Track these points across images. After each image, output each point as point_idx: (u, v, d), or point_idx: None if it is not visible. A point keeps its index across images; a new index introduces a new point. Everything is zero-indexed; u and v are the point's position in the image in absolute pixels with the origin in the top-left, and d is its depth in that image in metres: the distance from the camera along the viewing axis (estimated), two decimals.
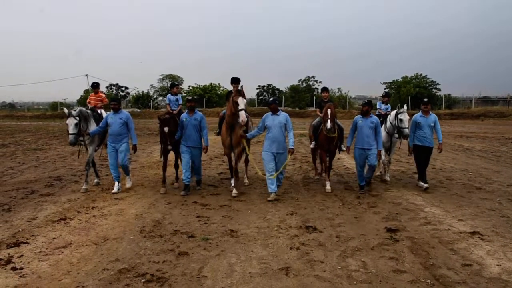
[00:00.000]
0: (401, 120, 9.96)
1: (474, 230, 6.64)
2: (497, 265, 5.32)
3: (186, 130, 9.46)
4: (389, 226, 6.86)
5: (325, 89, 11.24)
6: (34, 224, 6.97)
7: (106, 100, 11.14)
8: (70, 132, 9.03)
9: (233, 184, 9.45)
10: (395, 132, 10.50)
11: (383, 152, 10.40)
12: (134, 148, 9.75)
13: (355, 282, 4.81)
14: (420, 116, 9.89)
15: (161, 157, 10.02)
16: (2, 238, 6.24)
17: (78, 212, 7.68)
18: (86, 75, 61.34)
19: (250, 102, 56.46)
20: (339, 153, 10.62)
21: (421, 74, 53.25)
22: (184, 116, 9.59)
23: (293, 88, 56.55)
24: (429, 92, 50.93)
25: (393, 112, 10.44)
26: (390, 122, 10.51)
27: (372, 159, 9.35)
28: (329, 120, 9.11)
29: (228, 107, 9.07)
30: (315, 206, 8.25)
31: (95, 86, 11.15)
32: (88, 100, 11.07)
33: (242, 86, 9.24)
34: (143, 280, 4.82)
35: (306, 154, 16.14)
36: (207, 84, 57.13)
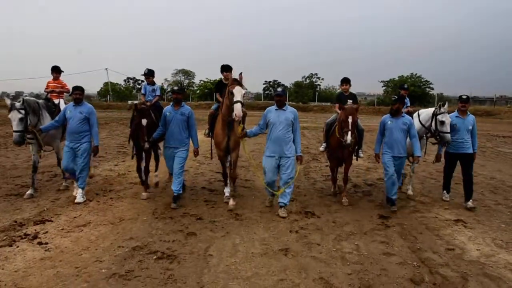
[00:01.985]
0: (442, 122, 7.47)
1: (458, 218, 6.72)
2: (477, 250, 5.43)
3: (170, 126, 7.30)
4: (382, 213, 6.93)
5: (345, 81, 8.27)
6: (57, 204, 7.10)
7: (68, 87, 8.72)
8: (14, 129, 6.96)
9: (227, 194, 7.59)
10: (426, 136, 8.21)
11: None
12: (95, 150, 7.57)
13: (348, 263, 4.89)
14: (456, 116, 7.63)
15: (132, 157, 8.00)
16: (29, 216, 6.37)
17: (97, 194, 7.79)
18: (106, 68, 61.54)
19: (257, 96, 56.44)
20: (357, 160, 8.31)
21: (416, 74, 53.51)
22: (168, 109, 7.39)
23: (297, 84, 56.58)
24: (423, 90, 51.00)
25: (428, 111, 8.01)
26: (420, 122, 8.03)
27: (401, 167, 7.45)
28: (349, 133, 6.78)
29: (224, 100, 6.98)
30: (315, 193, 8.32)
31: (55, 69, 8.77)
32: (46, 86, 8.84)
33: (241, 73, 6.86)
34: (155, 257, 4.92)
35: (307, 145, 16.17)
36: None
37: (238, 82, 6.65)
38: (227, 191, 7.65)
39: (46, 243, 5.27)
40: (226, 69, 7.85)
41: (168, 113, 7.30)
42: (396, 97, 7.44)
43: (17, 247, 5.12)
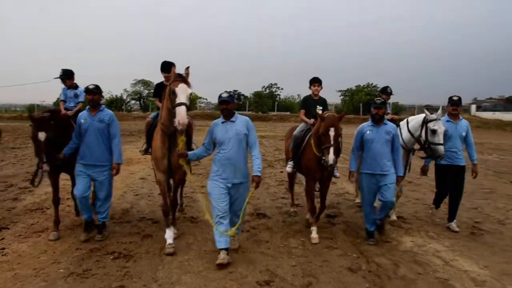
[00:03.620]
0: (433, 131, 6.19)
1: (399, 216, 7.28)
2: (411, 241, 6.00)
3: (86, 138, 5.72)
4: (329, 213, 7.42)
5: (316, 81, 6.78)
6: (14, 212, 7.18)
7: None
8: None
9: (170, 241, 5.44)
10: (413, 148, 6.94)
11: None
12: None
13: (293, 256, 5.33)
14: (447, 121, 6.52)
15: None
16: None
17: None
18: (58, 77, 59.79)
19: (217, 107, 56.61)
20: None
21: (372, 83, 55.38)
22: (83, 116, 5.84)
23: (257, 94, 57.28)
24: None
25: (418, 118, 6.68)
26: (409, 131, 6.72)
27: (389, 193, 5.74)
28: (331, 150, 5.39)
29: (164, 103, 5.41)
30: (267, 197, 8.73)
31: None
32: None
33: (188, 68, 5.29)
34: (112, 257, 5.18)
35: (264, 153, 16.63)
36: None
37: (183, 79, 5.15)
38: (169, 235, 5.49)
39: (3, 248, 5.40)
40: (166, 68, 6.24)
41: (83, 120, 5.76)
42: (381, 99, 6.11)
43: None
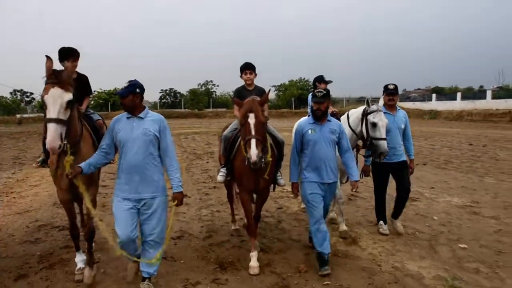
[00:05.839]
0: (373, 124, 5.52)
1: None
2: (298, 207, 7.69)
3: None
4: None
5: (247, 67, 5.58)
6: None
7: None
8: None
9: (80, 265, 4.75)
10: (356, 147, 6.10)
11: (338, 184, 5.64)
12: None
13: (202, 221, 6.95)
14: (384, 113, 5.69)
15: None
16: None
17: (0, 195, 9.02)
18: None
19: (154, 106, 56.97)
20: (273, 190, 5.67)
21: (304, 78, 58.10)
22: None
23: (192, 92, 58.26)
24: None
25: (356, 111, 6.00)
26: (350, 128, 5.94)
27: (327, 204, 5.12)
28: (253, 143, 4.28)
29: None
30: (190, 182, 10.30)
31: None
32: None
33: (71, 59, 4.56)
34: (57, 229, 6.53)
35: (194, 147, 18.16)
36: (112, 89, 53.41)
37: (57, 80, 3.80)
38: (79, 260, 4.80)
39: None
40: (63, 56, 4.78)
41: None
42: (323, 91, 4.85)
43: None
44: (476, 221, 6.73)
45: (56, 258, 5.33)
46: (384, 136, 5.49)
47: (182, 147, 18.13)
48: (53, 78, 3.82)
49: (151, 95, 59.80)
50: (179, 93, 60.95)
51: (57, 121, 3.69)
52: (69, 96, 3.82)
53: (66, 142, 3.81)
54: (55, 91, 3.76)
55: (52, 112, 3.70)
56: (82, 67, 5.11)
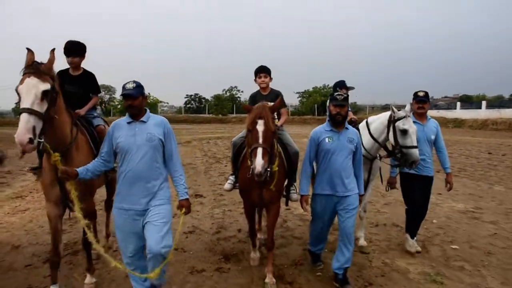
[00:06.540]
0: (403, 132, 5.05)
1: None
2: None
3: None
4: None
5: (260, 71, 5.33)
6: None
7: None
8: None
9: None
10: (379, 156, 5.72)
11: (365, 197, 5.64)
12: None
13: (214, 218, 7.48)
14: (413, 122, 5.19)
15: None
16: None
17: (30, 192, 9.77)
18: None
19: (179, 110, 58.06)
20: (286, 205, 5.52)
21: (328, 85, 58.22)
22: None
23: (217, 97, 59.22)
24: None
25: (381, 118, 5.47)
26: (372, 136, 5.51)
27: (349, 222, 4.49)
28: (259, 153, 3.85)
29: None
30: (207, 184, 10.86)
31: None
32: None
33: (53, 51, 3.63)
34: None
35: (215, 152, 18.75)
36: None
37: (35, 70, 3.49)
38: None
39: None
40: (68, 52, 4.76)
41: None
42: (343, 94, 4.63)
43: None
44: (474, 225, 7.04)
45: (79, 246, 5.94)
46: (415, 143, 5.01)
47: (203, 151, 18.75)
48: (30, 68, 3.49)
49: (176, 100, 61.01)
50: (204, 98, 62.06)
51: (29, 111, 3.28)
52: (45, 86, 3.45)
53: (43, 140, 3.41)
54: (30, 80, 3.41)
55: (25, 102, 3.32)
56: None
